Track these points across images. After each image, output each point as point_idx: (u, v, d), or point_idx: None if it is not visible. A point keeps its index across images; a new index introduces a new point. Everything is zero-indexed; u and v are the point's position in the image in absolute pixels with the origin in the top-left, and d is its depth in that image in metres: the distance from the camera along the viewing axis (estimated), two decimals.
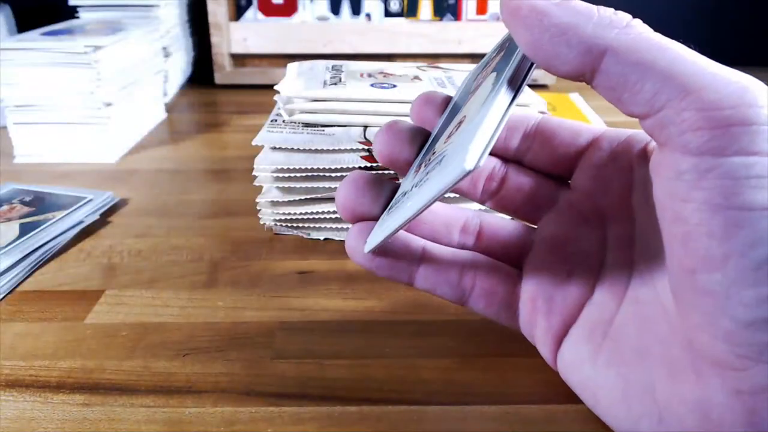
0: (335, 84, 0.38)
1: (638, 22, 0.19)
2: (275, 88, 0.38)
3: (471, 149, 0.18)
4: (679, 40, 0.19)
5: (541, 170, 0.25)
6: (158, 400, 0.24)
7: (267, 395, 0.24)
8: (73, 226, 0.37)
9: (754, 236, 0.16)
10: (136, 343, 0.27)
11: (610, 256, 0.23)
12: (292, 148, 0.35)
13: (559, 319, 0.23)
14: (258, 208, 0.37)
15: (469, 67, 0.24)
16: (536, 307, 0.23)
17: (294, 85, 0.39)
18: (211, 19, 0.70)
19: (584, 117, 0.57)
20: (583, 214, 0.24)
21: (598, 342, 0.22)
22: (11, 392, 0.24)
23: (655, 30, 0.20)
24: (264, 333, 0.28)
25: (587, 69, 0.18)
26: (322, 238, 0.37)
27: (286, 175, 0.35)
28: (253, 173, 0.36)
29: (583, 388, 0.22)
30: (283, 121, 0.37)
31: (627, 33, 0.18)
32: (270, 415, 0.23)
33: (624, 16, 0.19)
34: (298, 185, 0.35)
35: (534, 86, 0.70)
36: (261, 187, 0.37)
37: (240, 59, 0.74)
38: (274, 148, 0.35)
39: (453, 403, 0.24)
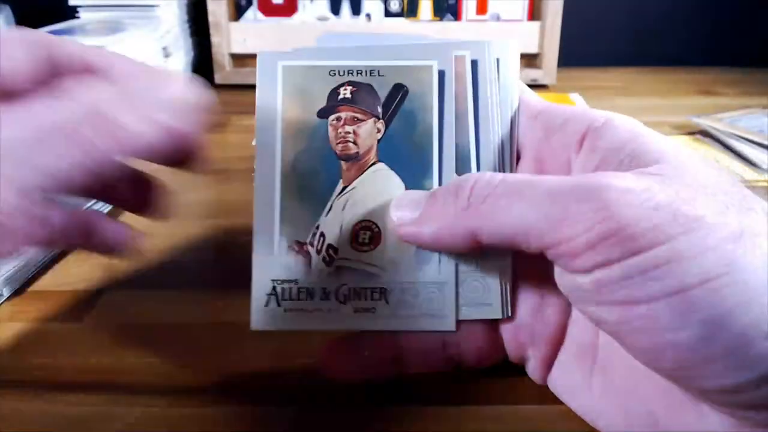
0: None
1: (478, 186, 0.20)
2: None
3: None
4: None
5: None
6: (158, 400, 0.24)
7: (267, 395, 0.24)
8: None
9: (673, 322, 0.16)
10: (136, 343, 0.27)
11: None
12: None
13: (545, 346, 0.23)
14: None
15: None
16: (521, 342, 0.23)
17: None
18: (211, 19, 0.70)
19: None
20: None
21: (588, 368, 0.22)
22: (11, 392, 0.24)
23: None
24: (264, 333, 0.28)
25: (478, 245, 0.20)
26: None
27: None
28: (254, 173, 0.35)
29: (582, 413, 0.22)
30: None
31: (470, 206, 0.20)
32: (270, 415, 0.23)
33: (465, 192, 0.20)
34: None
35: (534, 86, 0.70)
36: None
37: (240, 59, 0.74)
38: None
39: (453, 403, 0.23)
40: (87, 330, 0.28)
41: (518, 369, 0.24)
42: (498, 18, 0.72)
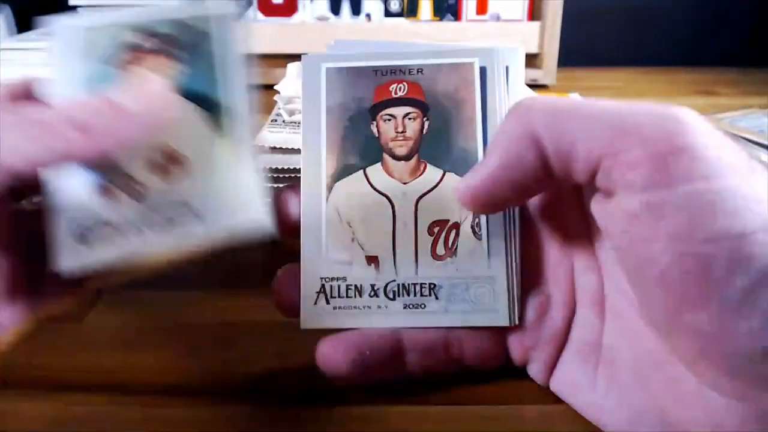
0: None
1: (539, 98, 0.19)
2: (275, 88, 0.38)
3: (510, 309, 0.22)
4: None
5: None
6: (158, 399, 0.24)
7: (268, 395, 0.24)
8: None
9: (729, 267, 0.15)
10: (136, 343, 0.27)
11: (578, 266, 0.23)
12: (292, 149, 0.35)
13: (550, 349, 0.23)
14: None
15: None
16: (525, 345, 0.23)
17: (294, 85, 0.39)
18: None
19: None
20: (546, 232, 0.23)
21: (592, 366, 0.22)
22: (11, 392, 0.24)
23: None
24: (264, 334, 0.28)
25: (545, 166, 0.19)
26: None
27: (286, 175, 0.35)
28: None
29: (585, 412, 0.22)
30: (283, 121, 0.37)
31: (539, 114, 0.19)
32: (271, 415, 0.23)
33: (528, 99, 0.20)
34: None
35: (534, 86, 0.70)
36: None
37: None
38: (274, 149, 0.35)
39: (453, 403, 0.23)
40: (87, 330, 0.28)
41: (519, 369, 0.24)
42: (498, 18, 0.72)
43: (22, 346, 0.27)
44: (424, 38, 0.72)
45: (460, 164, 0.23)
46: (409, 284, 0.23)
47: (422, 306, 0.23)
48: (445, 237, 0.23)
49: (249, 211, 0.22)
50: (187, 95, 0.23)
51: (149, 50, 0.24)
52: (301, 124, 0.24)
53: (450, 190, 0.23)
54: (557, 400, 0.23)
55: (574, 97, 0.62)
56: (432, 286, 0.23)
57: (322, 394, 0.24)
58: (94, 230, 0.22)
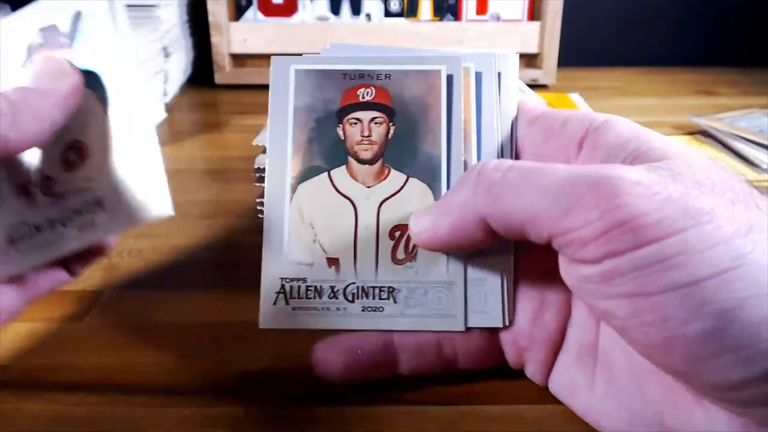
0: None
1: (485, 171, 0.20)
2: None
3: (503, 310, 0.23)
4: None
5: None
6: (158, 399, 0.24)
7: (267, 395, 0.24)
8: None
9: (684, 314, 0.16)
10: (136, 343, 0.27)
11: None
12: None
13: (545, 350, 0.23)
14: (258, 208, 0.37)
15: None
16: (520, 346, 0.23)
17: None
18: (211, 19, 0.70)
19: None
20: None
21: (589, 368, 0.22)
22: (11, 392, 0.24)
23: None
24: (265, 333, 0.28)
25: (494, 237, 0.20)
26: None
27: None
28: (254, 173, 0.36)
29: (585, 415, 0.22)
30: None
31: (477, 192, 0.20)
32: (270, 415, 0.23)
33: (473, 178, 0.20)
34: None
35: (534, 86, 0.70)
36: (261, 187, 0.37)
37: (240, 59, 0.73)
38: None
39: (453, 403, 0.23)
40: (87, 330, 0.28)
41: (518, 370, 0.24)
42: (498, 18, 0.72)
43: (22, 346, 0.27)
44: (424, 38, 0.72)
45: (424, 170, 0.23)
46: (368, 287, 0.23)
47: (380, 309, 0.23)
48: (406, 242, 0.23)
49: (150, 198, 0.23)
50: None
51: (46, 46, 0.24)
52: (268, 124, 0.24)
53: (413, 196, 0.23)
54: (556, 400, 0.23)
55: (574, 97, 0.62)
56: (391, 289, 0.23)
57: (321, 394, 0.24)
58: (20, 232, 0.23)
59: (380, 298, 0.23)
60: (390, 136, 0.24)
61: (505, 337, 0.23)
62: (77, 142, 0.23)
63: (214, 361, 0.26)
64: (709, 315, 0.16)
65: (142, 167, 0.23)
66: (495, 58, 0.24)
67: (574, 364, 0.22)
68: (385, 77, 0.24)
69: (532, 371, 0.23)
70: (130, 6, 0.66)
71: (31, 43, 0.24)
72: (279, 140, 0.24)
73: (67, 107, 0.21)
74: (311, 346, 0.24)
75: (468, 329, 0.23)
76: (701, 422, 0.18)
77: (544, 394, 0.23)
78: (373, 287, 0.23)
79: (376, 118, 0.24)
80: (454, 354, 0.23)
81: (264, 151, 0.35)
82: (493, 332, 0.23)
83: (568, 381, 0.22)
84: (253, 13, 0.72)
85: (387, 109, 0.24)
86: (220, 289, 0.31)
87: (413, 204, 0.23)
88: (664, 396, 0.19)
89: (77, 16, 0.24)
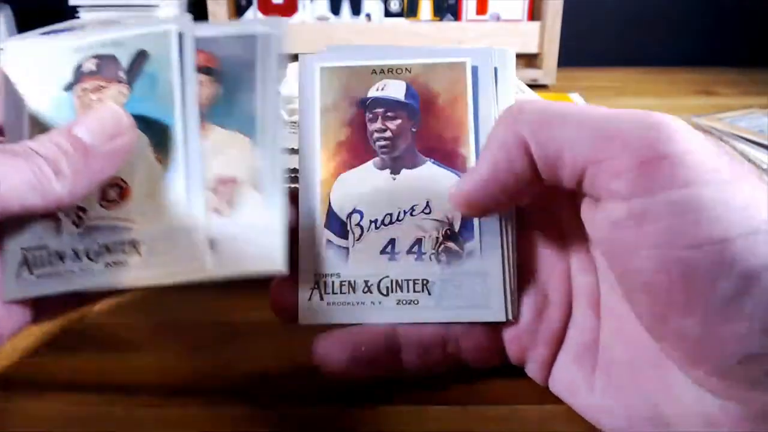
0: None
1: (528, 103, 0.20)
2: None
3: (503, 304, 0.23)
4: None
5: None
6: (158, 399, 0.24)
7: (267, 395, 0.24)
8: None
9: (712, 273, 0.15)
10: (136, 343, 0.27)
11: (574, 267, 0.23)
12: (293, 149, 0.35)
13: (547, 348, 0.23)
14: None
15: None
16: (522, 344, 0.23)
17: (294, 85, 0.38)
18: (211, 19, 0.70)
19: None
20: (542, 232, 0.23)
21: (590, 366, 0.22)
22: (11, 392, 0.24)
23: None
24: (265, 332, 0.28)
25: (534, 173, 0.19)
26: None
27: (287, 175, 0.35)
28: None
29: (585, 412, 0.22)
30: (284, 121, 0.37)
31: (522, 114, 0.19)
32: (270, 415, 0.23)
33: (517, 105, 0.20)
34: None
35: (534, 86, 0.70)
36: None
37: None
38: None
39: (453, 403, 0.23)
40: (88, 330, 0.28)
41: (518, 369, 0.24)
42: (498, 18, 0.72)
43: (22, 346, 0.27)
44: (424, 38, 0.72)
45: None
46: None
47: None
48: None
49: (189, 251, 0.22)
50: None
51: (99, 75, 0.24)
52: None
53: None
54: (557, 400, 0.23)
55: (574, 97, 0.62)
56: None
57: (321, 394, 0.24)
58: (38, 256, 0.22)
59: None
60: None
61: (508, 335, 0.23)
62: (121, 180, 0.23)
63: (215, 360, 0.26)
64: (735, 276, 0.15)
65: (187, 220, 0.22)
66: (492, 52, 0.24)
67: (574, 362, 0.22)
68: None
69: (533, 369, 0.23)
70: (130, 6, 0.66)
71: (82, 65, 0.24)
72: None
73: (117, 165, 0.22)
74: (312, 345, 0.24)
75: (509, 320, 0.23)
76: (696, 414, 0.18)
77: (544, 394, 0.23)
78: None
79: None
80: (457, 351, 0.23)
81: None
82: (497, 330, 0.23)
83: (568, 380, 0.22)
84: (253, 13, 0.72)
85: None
86: (220, 289, 0.31)
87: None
88: (660, 390, 0.19)
89: (142, 54, 0.23)
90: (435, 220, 0.23)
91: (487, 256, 0.23)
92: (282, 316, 0.24)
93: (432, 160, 0.24)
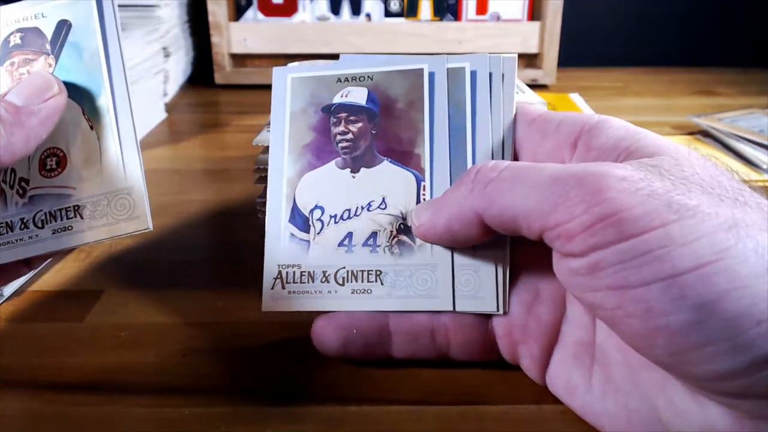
0: None
1: (482, 171, 0.21)
2: None
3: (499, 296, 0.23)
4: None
5: None
6: (158, 399, 0.24)
7: (266, 395, 0.24)
8: None
9: (665, 306, 0.16)
10: (136, 343, 0.27)
11: None
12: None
13: (539, 345, 0.23)
14: (258, 208, 0.37)
15: None
16: (514, 339, 0.23)
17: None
18: (211, 19, 0.70)
19: None
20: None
21: (587, 367, 0.22)
22: (11, 392, 0.24)
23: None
24: (265, 333, 0.28)
25: (488, 233, 0.21)
26: None
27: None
28: (254, 173, 0.36)
29: (583, 413, 0.22)
30: None
31: (474, 189, 0.21)
32: (270, 415, 0.23)
33: (471, 177, 0.21)
34: None
35: (534, 86, 0.70)
36: (261, 187, 0.37)
37: (240, 59, 0.74)
38: None
39: (453, 403, 0.24)
40: (87, 330, 0.28)
41: (516, 369, 0.24)
42: (498, 18, 0.72)
43: (22, 346, 0.27)
44: (424, 38, 0.72)
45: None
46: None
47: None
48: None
49: (131, 212, 0.24)
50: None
51: (25, 48, 0.24)
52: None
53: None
54: (555, 400, 0.23)
55: (574, 97, 0.62)
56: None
57: (321, 393, 0.24)
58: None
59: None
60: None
61: (498, 329, 0.24)
62: (58, 150, 0.24)
63: (215, 360, 0.26)
64: (689, 307, 0.16)
65: (123, 178, 0.24)
66: (489, 59, 0.25)
67: (571, 361, 0.22)
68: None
69: (527, 366, 0.23)
70: (130, 6, 0.66)
71: (9, 40, 0.24)
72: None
73: (53, 125, 0.23)
74: (311, 346, 0.24)
75: (457, 312, 0.24)
76: (695, 416, 0.18)
77: (543, 394, 0.23)
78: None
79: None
80: (447, 342, 0.24)
81: (264, 151, 0.36)
82: (487, 324, 0.24)
83: (565, 379, 0.22)
84: (253, 13, 0.72)
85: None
86: (220, 289, 0.31)
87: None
88: (658, 392, 0.19)
89: (65, 24, 0.24)
90: (390, 214, 0.25)
91: (437, 248, 0.24)
92: (327, 354, 0.25)
93: (389, 160, 0.25)
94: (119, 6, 0.24)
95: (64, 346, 0.27)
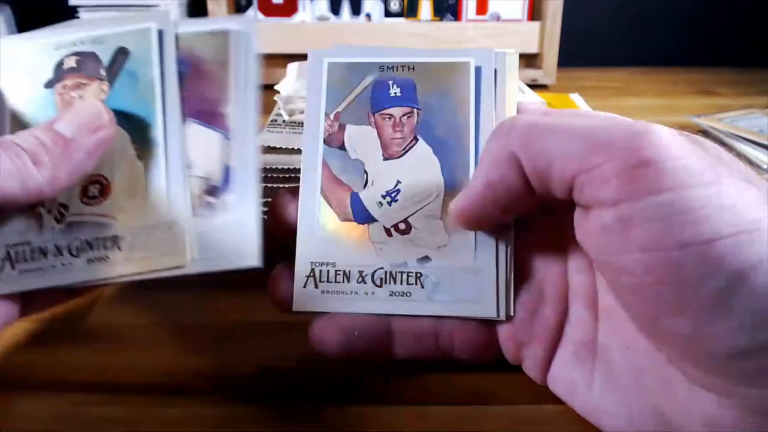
0: None
1: (528, 111, 0.21)
2: (275, 88, 0.38)
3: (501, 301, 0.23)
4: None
5: None
6: (158, 399, 0.24)
7: (267, 395, 0.24)
8: None
9: (699, 273, 0.16)
10: (136, 343, 0.27)
11: (571, 266, 0.23)
12: (292, 149, 0.35)
13: (543, 346, 0.23)
14: (263, 208, 0.37)
15: None
16: (518, 341, 0.23)
17: (294, 85, 0.39)
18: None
19: None
20: (540, 231, 0.24)
21: (588, 366, 0.22)
22: (11, 392, 0.24)
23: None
24: (265, 333, 0.28)
25: (526, 183, 0.20)
26: None
27: (287, 175, 0.35)
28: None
29: (585, 412, 0.22)
30: (283, 121, 0.37)
31: (512, 132, 0.20)
32: (270, 415, 0.23)
33: (509, 121, 0.20)
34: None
35: (534, 86, 0.70)
36: (264, 187, 0.37)
37: None
38: (274, 149, 0.35)
39: (453, 403, 0.23)
40: (87, 330, 0.28)
41: (517, 369, 0.24)
42: (498, 18, 0.72)
43: (22, 346, 0.27)
44: (424, 38, 0.72)
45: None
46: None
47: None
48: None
49: (169, 246, 0.23)
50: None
51: (79, 72, 0.24)
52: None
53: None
54: (556, 400, 0.23)
55: (574, 97, 0.62)
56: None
57: (321, 394, 0.24)
58: (20, 252, 0.23)
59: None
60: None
61: (503, 331, 0.23)
62: (102, 177, 0.23)
63: (215, 360, 0.26)
64: (723, 275, 0.15)
65: (168, 215, 0.23)
66: (493, 54, 0.24)
67: (573, 361, 0.22)
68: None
69: (530, 367, 0.23)
70: (130, 6, 0.66)
71: (63, 63, 0.24)
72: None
73: (98, 158, 0.22)
74: (311, 345, 0.24)
75: (509, 317, 0.23)
76: (699, 413, 0.18)
77: (544, 394, 0.23)
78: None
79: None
80: (451, 344, 0.23)
81: (264, 150, 0.36)
82: (491, 325, 0.23)
83: (567, 379, 0.22)
84: (253, 13, 0.72)
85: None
86: (220, 289, 0.31)
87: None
88: (660, 389, 0.19)
89: (123, 52, 0.24)
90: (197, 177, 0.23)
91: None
92: (279, 307, 0.24)
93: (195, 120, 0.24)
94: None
95: (64, 345, 0.27)
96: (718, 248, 0.15)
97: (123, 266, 0.23)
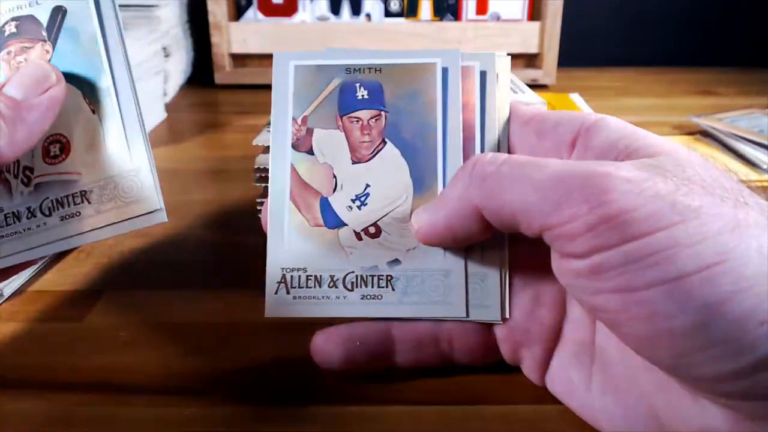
0: None
1: (480, 164, 0.20)
2: None
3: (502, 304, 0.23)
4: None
5: None
6: (158, 399, 0.24)
7: (267, 395, 0.24)
8: None
9: (670, 308, 0.16)
10: (136, 343, 0.27)
11: None
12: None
13: (541, 347, 0.23)
14: (258, 208, 0.37)
15: None
16: (515, 342, 0.23)
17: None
18: (211, 19, 0.70)
19: None
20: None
21: (587, 367, 0.22)
22: (11, 392, 0.24)
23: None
24: (265, 333, 0.28)
25: (488, 229, 0.21)
26: None
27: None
28: (254, 173, 0.36)
29: (582, 413, 0.22)
30: None
31: (472, 183, 0.20)
32: (270, 415, 0.23)
33: (468, 170, 0.21)
34: None
35: (534, 86, 0.70)
36: (261, 187, 0.37)
37: (240, 59, 0.73)
38: None
39: (453, 403, 0.23)
40: (87, 330, 0.28)
41: (515, 369, 0.24)
42: (498, 18, 0.72)
43: (22, 346, 0.27)
44: (424, 38, 0.72)
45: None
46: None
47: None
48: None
49: (140, 193, 0.23)
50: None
51: (21, 36, 0.24)
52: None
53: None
54: (554, 400, 0.23)
55: (574, 97, 0.62)
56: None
57: (320, 394, 0.24)
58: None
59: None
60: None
61: (500, 333, 0.23)
62: (61, 136, 0.24)
63: (215, 360, 0.26)
64: (694, 309, 0.16)
65: (131, 165, 0.23)
66: (495, 57, 0.24)
67: (571, 362, 0.22)
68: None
69: (528, 368, 0.23)
70: (130, 6, 0.66)
71: (4, 29, 0.24)
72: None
73: (53, 116, 0.22)
74: (311, 342, 0.24)
75: (468, 320, 0.23)
76: (694, 417, 0.18)
77: (543, 394, 0.23)
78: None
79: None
80: (450, 348, 0.24)
81: (264, 150, 0.35)
82: (489, 327, 0.24)
83: (565, 379, 0.22)
84: (253, 13, 0.72)
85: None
86: (220, 289, 0.31)
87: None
88: (657, 391, 0.19)
89: (60, 10, 0.24)
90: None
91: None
92: (327, 368, 0.24)
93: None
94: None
95: (64, 346, 0.27)
96: (686, 285, 0.16)
97: (96, 218, 0.23)
